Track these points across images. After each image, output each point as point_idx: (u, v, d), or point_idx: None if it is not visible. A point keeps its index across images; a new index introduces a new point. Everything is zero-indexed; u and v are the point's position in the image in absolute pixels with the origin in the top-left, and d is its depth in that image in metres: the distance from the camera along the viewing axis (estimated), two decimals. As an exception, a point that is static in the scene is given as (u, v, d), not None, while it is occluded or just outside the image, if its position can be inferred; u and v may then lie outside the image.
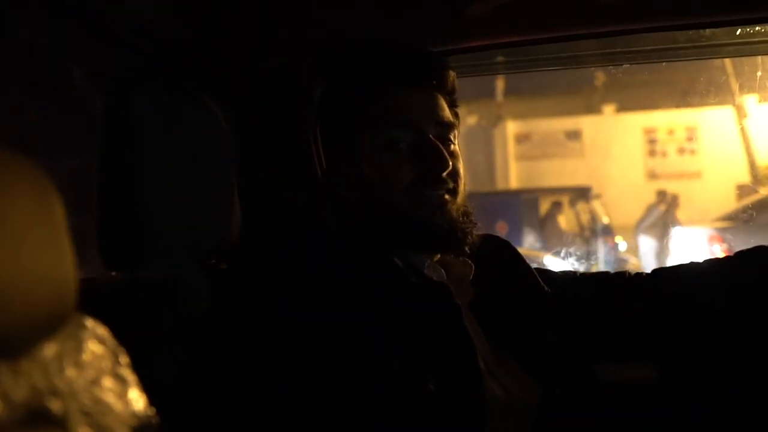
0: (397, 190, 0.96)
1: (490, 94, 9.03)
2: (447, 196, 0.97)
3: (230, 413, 0.79)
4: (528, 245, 6.87)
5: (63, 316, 0.44)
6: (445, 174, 0.96)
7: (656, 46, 1.24)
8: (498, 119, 9.97)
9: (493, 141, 9.98)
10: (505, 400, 0.92)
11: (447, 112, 1.01)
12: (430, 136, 0.97)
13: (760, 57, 1.47)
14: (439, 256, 1.01)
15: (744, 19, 1.10)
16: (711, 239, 4.49)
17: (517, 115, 9.98)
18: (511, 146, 10.04)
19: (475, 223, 1.00)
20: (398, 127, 0.97)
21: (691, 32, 1.18)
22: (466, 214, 0.98)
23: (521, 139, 10.06)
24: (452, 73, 1.03)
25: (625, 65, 1.30)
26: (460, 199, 0.99)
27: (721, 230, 4.51)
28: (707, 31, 1.16)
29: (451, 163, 0.96)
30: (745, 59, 1.58)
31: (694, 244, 4.64)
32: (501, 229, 6.52)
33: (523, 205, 7.58)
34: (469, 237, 0.98)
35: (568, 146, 9.79)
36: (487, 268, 1.04)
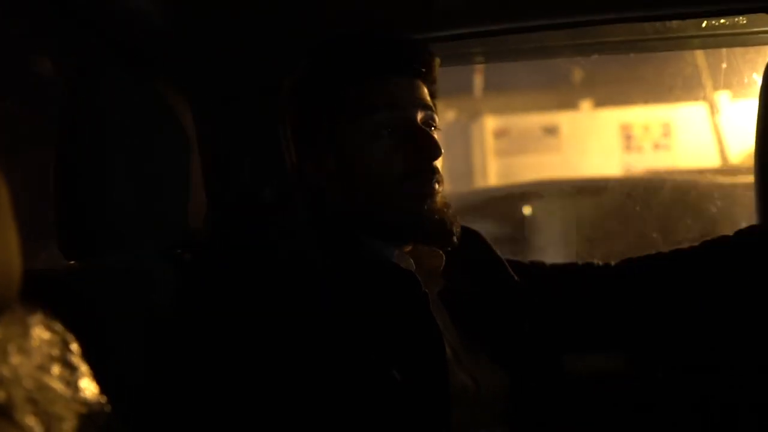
0: (386, 182, 0.92)
1: (468, 89, 9.02)
2: (436, 186, 0.94)
3: (192, 403, 0.79)
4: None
5: (5, 301, 0.42)
6: (435, 163, 0.93)
7: (625, 37, 1.24)
8: (476, 114, 9.98)
9: (471, 136, 9.99)
10: (474, 390, 0.92)
11: (429, 98, 0.98)
12: (418, 121, 0.94)
13: (725, 51, 1.49)
14: (410, 246, 0.98)
15: (710, 11, 1.11)
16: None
17: (496, 111, 9.99)
18: (489, 142, 10.06)
19: (455, 215, 0.97)
20: (383, 111, 0.92)
21: (658, 24, 1.19)
22: (447, 205, 0.96)
23: (499, 134, 10.08)
24: (437, 61, 0.99)
25: (593, 56, 1.31)
26: (441, 189, 0.95)
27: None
28: (674, 22, 1.17)
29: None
30: (718, 58, 1.61)
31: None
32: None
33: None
34: (456, 229, 0.95)
35: (546, 142, 9.82)
36: (458, 259, 1.03)
